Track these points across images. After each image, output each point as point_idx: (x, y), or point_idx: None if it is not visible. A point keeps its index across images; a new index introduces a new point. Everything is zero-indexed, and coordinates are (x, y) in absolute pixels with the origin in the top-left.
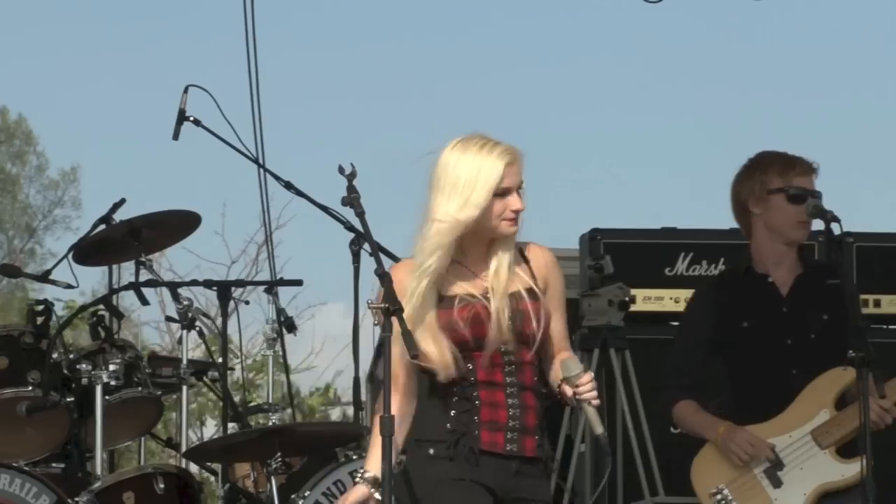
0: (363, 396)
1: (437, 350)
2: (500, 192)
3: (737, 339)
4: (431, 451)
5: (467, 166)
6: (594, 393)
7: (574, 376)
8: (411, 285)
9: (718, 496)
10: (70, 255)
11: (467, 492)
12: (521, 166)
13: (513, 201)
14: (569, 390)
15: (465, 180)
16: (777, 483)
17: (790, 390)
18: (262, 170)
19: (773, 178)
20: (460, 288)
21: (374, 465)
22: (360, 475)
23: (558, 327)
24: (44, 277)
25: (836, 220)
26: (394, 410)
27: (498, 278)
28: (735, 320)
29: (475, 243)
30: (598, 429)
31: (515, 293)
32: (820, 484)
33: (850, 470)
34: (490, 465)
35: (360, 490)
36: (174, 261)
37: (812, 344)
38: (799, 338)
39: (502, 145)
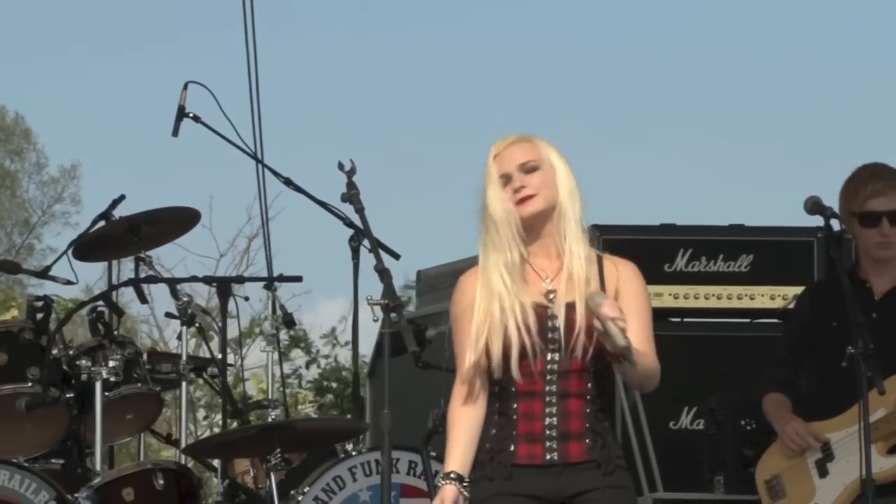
0: (363, 392)
1: (497, 350)
2: (504, 182)
3: (826, 337)
4: (471, 477)
5: (484, 167)
6: (616, 312)
7: (596, 304)
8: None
9: (772, 483)
10: (70, 252)
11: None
12: (523, 149)
13: (514, 182)
14: (597, 322)
15: (482, 183)
16: (824, 473)
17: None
18: (261, 166)
19: (850, 201)
20: (523, 293)
21: (454, 463)
22: (443, 476)
23: (634, 333)
24: (43, 274)
25: (836, 216)
26: (468, 420)
27: (558, 282)
28: (828, 320)
29: (534, 237)
30: (621, 341)
31: (571, 302)
32: (858, 477)
33: (889, 463)
34: (527, 475)
35: (450, 490)
36: (162, 254)
37: (894, 351)
38: (883, 343)
39: (501, 138)
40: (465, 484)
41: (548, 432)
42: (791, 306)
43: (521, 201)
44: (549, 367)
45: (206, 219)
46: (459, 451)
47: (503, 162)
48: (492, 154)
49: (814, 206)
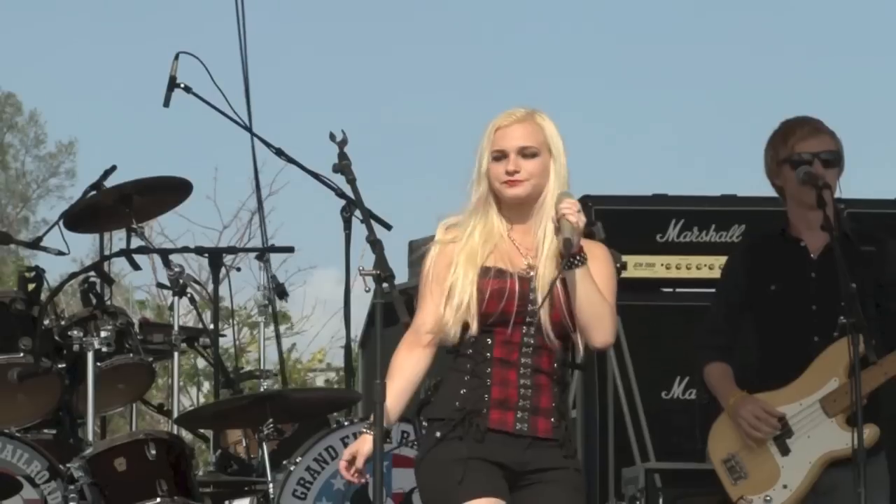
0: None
1: (473, 312)
2: (497, 157)
3: (764, 302)
4: (438, 434)
5: (481, 135)
6: (573, 209)
7: (558, 199)
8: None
9: (730, 462)
10: (61, 222)
11: (476, 469)
12: (527, 131)
13: (510, 164)
14: (554, 217)
15: (478, 148)
16: (785, 451)
17: (810, 357)
18: (252, 136)
19: (779, 148)
20: (500, 261)
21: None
22: (366, 427)
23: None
24: (35, 244)
25: (828, 186)
26: (419, 362)
27: (538, 260)
28: (764, 283)
29: (520, 218)
30: (566, 233)
31: (550, 281)
32: (826, 452)
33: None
34: (497, 441)
35: (368, 441)
36: (165, 225)
37: (837, 312)
38: (824, 304)
39: (508, 111)
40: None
41: (521, 402)
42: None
43: (511, 183)
44: (524, 339)
45: (211, 190)
46: (392, 401)
47: (504, 138)
48: (495, 125)
49: (807, 176)
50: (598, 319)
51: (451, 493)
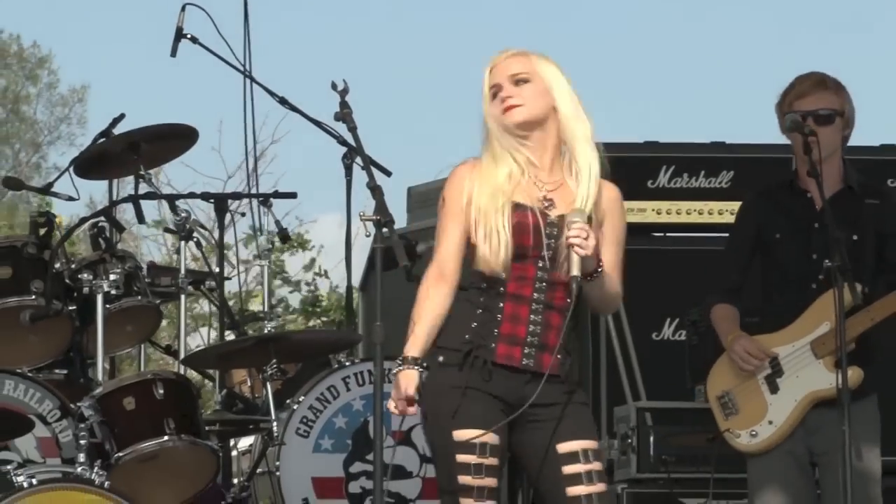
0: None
1: (488, 249)
2: (495, 92)
3: (769, 248)
4: (441, 359)
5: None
6: (580, 239)
7: (568, 224)
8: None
9: (724, 399)
10: (71, 169)
11: (474, 399)
12: (517, 61)
13: (503, 93)
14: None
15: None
16: (774, 389)
17: (808, 303)
18: (253, 84)
19: (783, 104)
20: (522, 195)
21: (417, 348)
22: (403, 360)
23: (608, 258)
24: (46, 190)
25: (814, 134)
26: (446, 298)
27: (557, 194)
28: (771, 231)
29: (530, 148)
30: (574, 271)
31: (565, 215)
32: (811, 391)
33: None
34: (501, 375)
35: (413, 375)
36: (172, 175)
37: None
38: (824, 254)
39: (496, 52)
40: (421, 370)
41: (529, 339)
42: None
43: (507, 109)
44: (539, 273)
45: (216, 142)
46: (424, 337)
47: (496, 74)
48: (488, 67)
49: (793, 123)
50: (609, 305)
51: (446, 422)
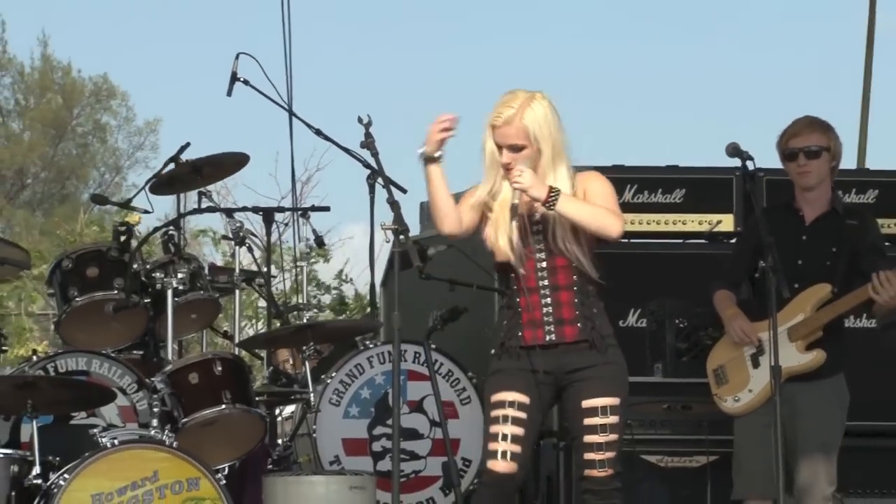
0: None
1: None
2: (497, 145)
3: (766, 254)
4: (493, 351)
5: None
6: (515, 175)
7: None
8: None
9: (718, 371)
10: (147, 188)
11: (511, 373)
12: (513, 132)
13: (504, 158)
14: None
15: (482, 138)
16: (756, 364)
17: (791, 298)
18: (295, 118)
19: (780, 144)
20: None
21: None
22: (421, 158)
23: (595, 201)
24: (126, 204)
25: (751, 158)
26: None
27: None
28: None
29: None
30: (515, 198)
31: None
32: (783, 367)
33: (805, 359)
34: (535, 355)
35: (435, 169)
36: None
37: (817, 267)
38: (808, 261)
39: (498, 109)
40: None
41: (546, 318)
42: (714, 229)
43: (508, 171)
44: (538, 265)
45: (272, 169)
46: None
47: (498, 136)
48: (490, 122)
49: (733, 150)
50: (598, 221)
51: (488, 392)
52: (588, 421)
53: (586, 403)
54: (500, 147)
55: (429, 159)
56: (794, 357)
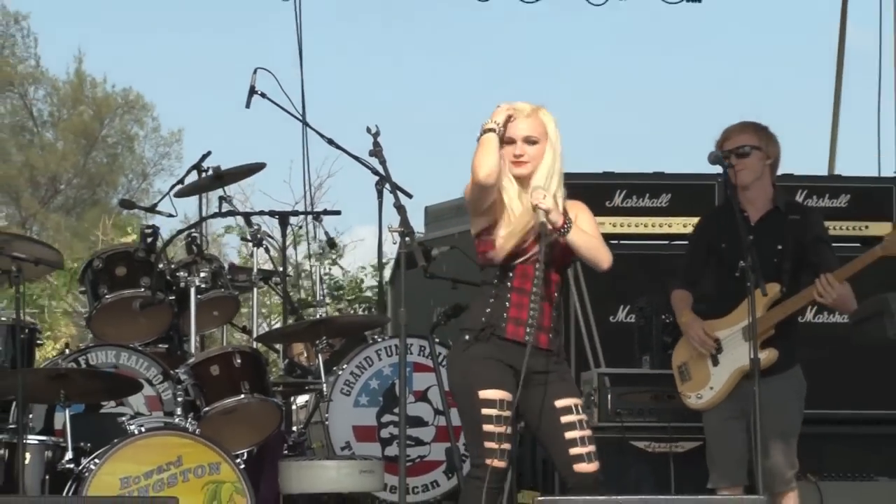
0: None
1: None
2: (507, 141)
3: (716, 254)
4: (467, 337)
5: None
6: (539, 199)
7: (533, 189)
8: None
9: (682, 368)
10: (171, 194)
11: (492, 366)
12: (531, 124)
13: (517, 149)
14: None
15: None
16: (716, 362)
17: (742, 297)
18: (308, 128)
19: (716, 148)
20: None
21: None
22: (482, 133)
23: (587, 229)
24: (152, 209)
25: (731, 165)
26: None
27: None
28: (717, 241)
29: (523, 184)
30: (541, 218)
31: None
32: (741, 366)
33: (762, 354)
34: (511, 349)
35: (494, 137)
36: (255, 201)
37: (764, 265)
38: (758, 258)
39: (516, 105)
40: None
41: (531, 321)
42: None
43: (517, 163)
44: (536, 272)
45: (287, 176)
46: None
47: (513, 129)
48: (510, 110)
49: (715, 158)
50: (596, 253)
51: (473, 383)
52: (565, 419)
53: (560, 403)
54: (511, 141)
55: (490, 130)
56: (748, 356)
